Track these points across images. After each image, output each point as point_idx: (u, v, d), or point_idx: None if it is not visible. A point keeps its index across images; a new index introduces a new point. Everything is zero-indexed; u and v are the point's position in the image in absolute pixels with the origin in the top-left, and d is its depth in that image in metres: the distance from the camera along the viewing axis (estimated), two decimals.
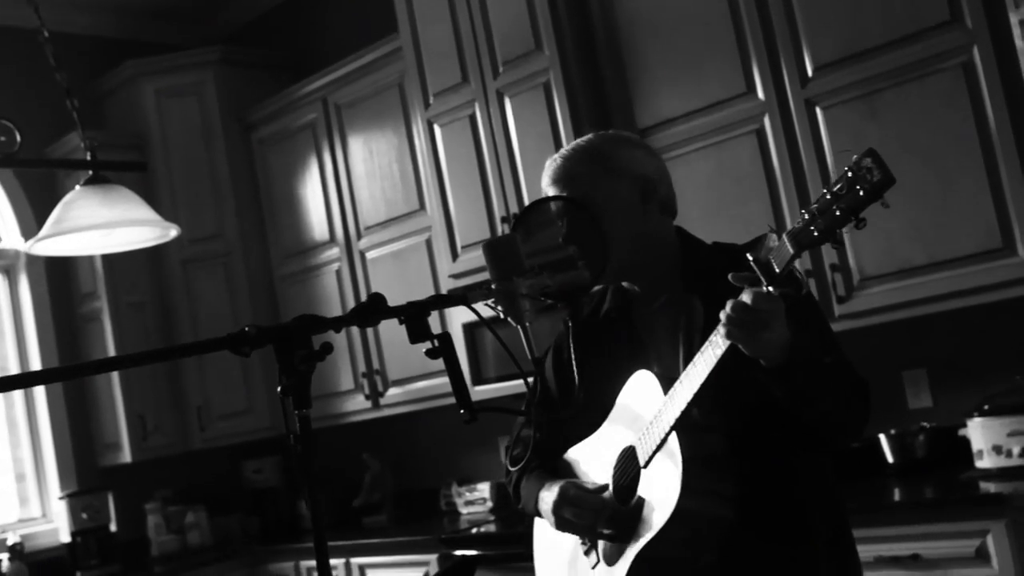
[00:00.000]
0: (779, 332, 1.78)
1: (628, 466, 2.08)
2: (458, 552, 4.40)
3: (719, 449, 1.97)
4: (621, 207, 2.12)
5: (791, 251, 1.69)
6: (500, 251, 1.77)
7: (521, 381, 1.86)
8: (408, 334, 1.67)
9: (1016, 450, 3.29)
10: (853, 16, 3.59)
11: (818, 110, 3.66)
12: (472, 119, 4.53)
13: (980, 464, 3.38)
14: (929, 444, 3.70)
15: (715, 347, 1.84)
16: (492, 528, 4.61)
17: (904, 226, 3.48)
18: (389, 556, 4.78)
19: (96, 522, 5.36)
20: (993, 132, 3.35)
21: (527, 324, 1.75)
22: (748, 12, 3.80)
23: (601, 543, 2.12)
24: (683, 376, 1.93)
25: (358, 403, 5.30)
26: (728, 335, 1.79)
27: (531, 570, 2.42)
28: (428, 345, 1.67)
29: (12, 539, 5.15)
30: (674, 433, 1.95)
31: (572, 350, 2.23)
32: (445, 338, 1.67)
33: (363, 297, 5.02)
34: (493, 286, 1.74)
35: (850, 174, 1.60)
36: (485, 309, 1.78)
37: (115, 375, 5.47)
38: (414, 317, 1.67)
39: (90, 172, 3.14)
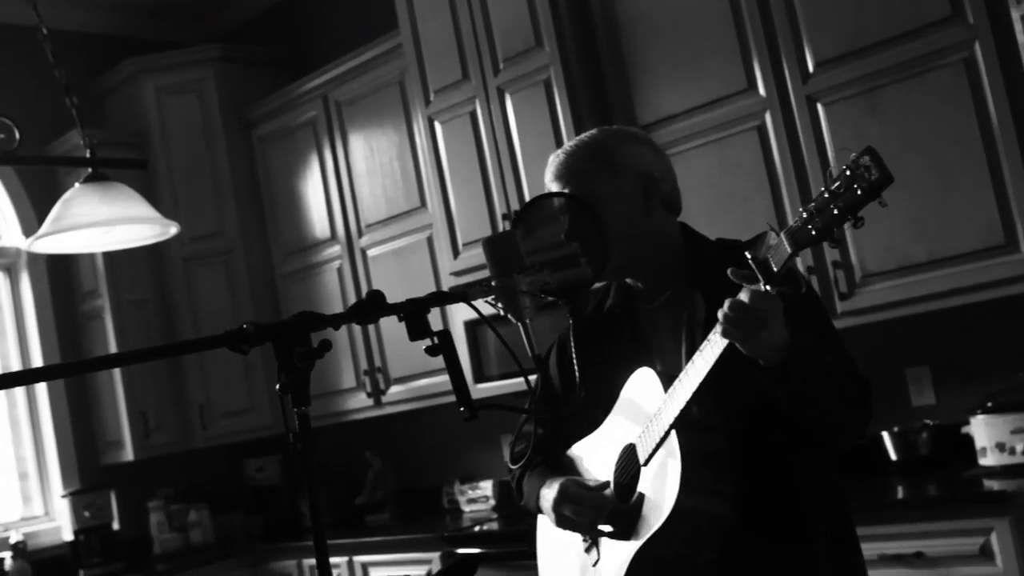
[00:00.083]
0: (777, 331, 1.78)
1: (629, 464, 2.08)
2: (461, 550, 4.40)
3: (719, 447, 1.96)
4: (623, 204, 2.12)
5: (789, 250, 1.68)
6: (500, 248, 1.76)
7: (523, 379, 1.84)
8: (407, 331, 1.66)
9: (1020, 447, 3.28)
10: (854, 12, 3.58)
11: (819, 106, 3.65)
12: (473, 116, 4.52)
13: (983, 462, 3.38)
14: (932, 442, 3.69)
15: (713, 346, 1.83)
16: (495, 526, 4.60)
17: (906, 223, 3.47)
18: (391, 554, 4.77)
19: (98, 520, 5.36)
20: (995, 128, 3.33)
21: (527, 321, 1.74)
22: (749, 8, 3.79)
23: (602, 540, 2.12)
24: (682, 374, 1.93)
25: (360, 401, 5.30)
26: (725, 334, 1.78)
27: (533, 568, 2.42)
28: (428, 342, 1.67)
29: (15, 537, 5.15)
30: (674, 431, 1.95)
31: (573, 347, 2.22)
32: (445, 335, 1.67)
33: (364, 295, 5.02)
34: (493, 283, 1.73)
35: (848, 172, 1.59)
36: (487, 307, 1.77)
37: (117, 373, 5.47)
38: (413, 314, 1.67)
39: (90, 170, 3.14)
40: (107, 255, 5.43)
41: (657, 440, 1.97)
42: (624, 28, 4.14)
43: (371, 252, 5.20)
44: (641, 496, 2.02)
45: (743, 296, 1.75)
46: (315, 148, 5.41)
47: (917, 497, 3.42)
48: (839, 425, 1.97)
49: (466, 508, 5.12)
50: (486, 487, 5.06)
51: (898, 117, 3.49)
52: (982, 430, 3.38)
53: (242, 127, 5.74)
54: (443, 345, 1.67)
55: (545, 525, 2.34)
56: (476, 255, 4.45)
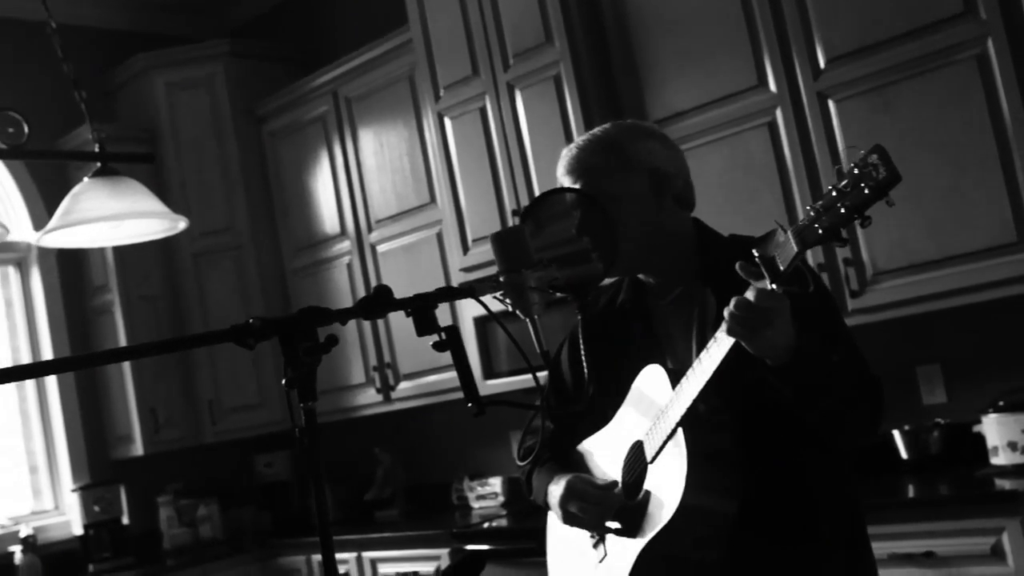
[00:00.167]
0: (782, 330, 1.76)
1: (636, 461, 2.07)
2: (470, 546, 4.39)
3: (726, 446, 1.95)
4: (634, 199, 2.11)
5: (795, 249, 1.67)
6: (508, 243, 1.76)
7: (532, 376, 1.83)
8: (415, 327, 1.66)
9: None
10: (866, 8, 3.56)
11: (830, 103, 3.64)
12: (482, 112, 4.51)
13: (995, 461, 3.36)
14: (944, 440, 3.67)
15: (720, 344, 1.83)
16: (504, 523, 4.60)
17: (918, 220, 3.45)
18: (400, 550, 4.77)
19: (108, 515, 5.37)
20: (1008, 125, 3.31)
21: (535, 317, 1.73)
22: (760, 3, 3.78)
23: (609, 537, 2.12)
24: (689, 372, 1.92)
25: (369, 397, 5.29)
26: (730, 332, 1.77)
27: (542, 565, 2.42)
28: (436, 338, 1.66)
29: (25, 531, 5.16)
30: (680, 429, 1.94)
31: (582, 343, 2.22)
32: (452, 331, 1.66)
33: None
34: (501, 278, 1.73)
35: (856, 171, 1.58)
36: (495, 303, 1.76)
37: (127, 368, 5.48)
38: (420, 310, 1.66)
39: (99, 164, 3.13)
40: (117, 250, 5.44)
41: (664, 438, 1.97)
42: (634, 23, 4.12)
43: (381, 248, 5.19)
44: (647, 494, 2.01)
45: (749, 294, 1.74)
46: (325, 144, 5.40)
47: (928, 496, 3.41)
48: (846, 426, 1.95)
49: (475, 504, 5.12)
50: (495, 484, 5.06)
51: (910, 114, 3.47)
52: (994, 429, 3.37)
53: (252, 122, 5.74)
54: (450, 341, 1.66)
55: (555, 521, 2.34)
56: (486, 251, 4.44)
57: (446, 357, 1.67)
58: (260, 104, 5.68)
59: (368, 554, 4.90)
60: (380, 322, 5.17)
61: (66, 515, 5.53)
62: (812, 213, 1.64)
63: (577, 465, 2.27)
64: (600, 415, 2.22)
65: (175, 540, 5.52)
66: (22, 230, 5.57)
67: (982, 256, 3.37)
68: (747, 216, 3.72)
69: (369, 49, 5.11)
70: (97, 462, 5.63)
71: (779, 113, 3.75)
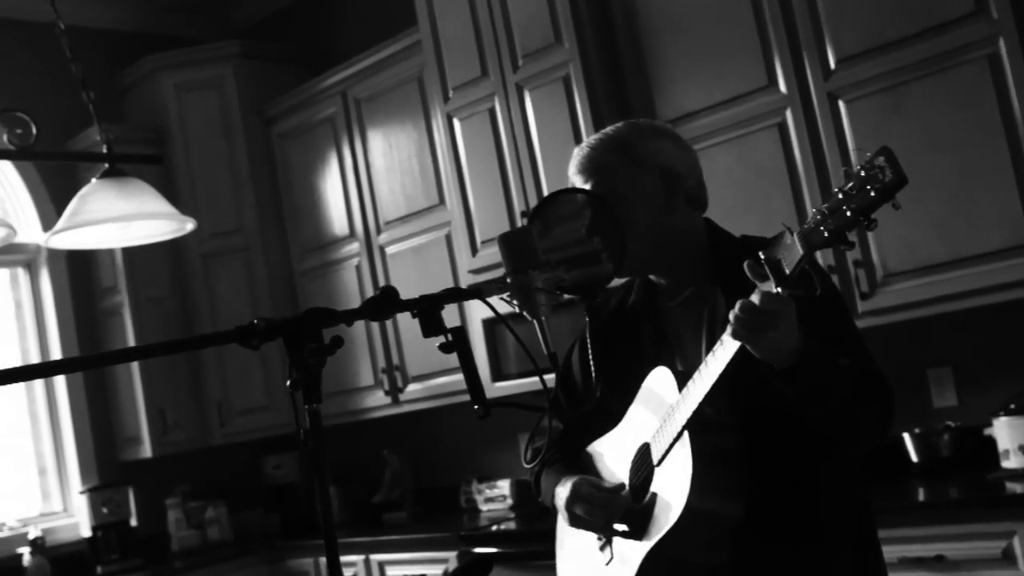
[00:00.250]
0: (787, 334, 1.75)
1: (643, 463, 2.06)
2: (478, 549, 4.38)
3: (732, 448, 1.94)
4: (645, 199, 2.10)
5: (800, 252, 1.65)
6: (515, 244, 1.75)
7: (539, 378, 1.82)
8: (421, 328, 1.65)
9: None
10: (877, 8, 3.54)
11: (841, 103, 3.62)
12: (491, 113, 4.50)
13: (1006, 464, 3.34)
14: (954, 444, 3.65)
15: (726, 347, 1.82)
16: (512, 526, 4.59)
17: (929, 221, 3.43)
18: (409, 553, 4.76)
19: (116, 517, 5.37)
20: (1019, 125, 3.29)
21: (543, 318, 1.72)
22: (770, 3, 3.76)
23: (615, 539, 2.11)
24: (696, 375, 1.91)
25: (378, 399, 5.29)
26: (734, 335, 1.76)
27: (550, 568, 2.41)
28: (442, 339, 1.65)
29: (33, 533, 5.17)
30: (687, 432, 1.93)
31: (590, 344, 2.21)
32: (458, 332, 1.65)
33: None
34: (508, 280, 1.71)
35: (862, 173, 1.56)
36: (504, 305, 1.75)
37: (135, 370, 5.48)
38: (427, 311, 1.65)
39: (106, 165, 3.13)
40: (126, 252, 5.44)
41: (670, 440, 1.96)
42: (644, 24, 4.11)
43: (389, 250, 5.19)
44: (654, 496, 2.01)
45: (754, 298, 1.73)
46: (334, 145, 5.40)
47: (938, 499, 3.39)
48: (852, 429, 1.93)
49: (483, 507, 5.10)
50: (504, 486, 5.04)
51: (921, 114, 3.45)
52: (1005, 432, 3.35)
53: (261, 123, 5.74)
54: (457, 342, 1.65)
55: (564, 523, 2.33)
56: (495, 253, 4.43)
57: (455, 359, 1.66)
58: (269, 105, 5.68)
59: (376, 556, 4.89)
60: (389, 324, 5.17)
61: (74, 517, 5.53)
62: (819, 216, 1.63)
63: (586, 466, 2.27)
64: (610, 416, 2.21)
65: (183, 542, 5.52)
66: (31, 231, 5.58)
67: (993, 258, 3.34)
68: (757, 218, 3.70)
69: (378, 50, 5.10)
70: (105, 464, 5.64)
71: (789, 114, 3.73)
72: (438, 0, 4.65)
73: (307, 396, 1.53)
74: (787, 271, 1.68)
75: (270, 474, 5.87)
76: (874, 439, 2.00)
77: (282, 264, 5.71)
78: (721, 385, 1.85)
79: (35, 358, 5.62)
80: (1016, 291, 3.32)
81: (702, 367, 1.89)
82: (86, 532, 5.37)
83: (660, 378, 2.07)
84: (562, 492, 2.17)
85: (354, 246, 5.35)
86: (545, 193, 4.30)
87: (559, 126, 4.25)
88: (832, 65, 3.63)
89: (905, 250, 3.50)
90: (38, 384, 5.64)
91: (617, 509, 2.07)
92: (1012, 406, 3.36)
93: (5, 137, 3.09)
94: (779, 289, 1.70)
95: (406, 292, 1.64)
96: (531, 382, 4.42)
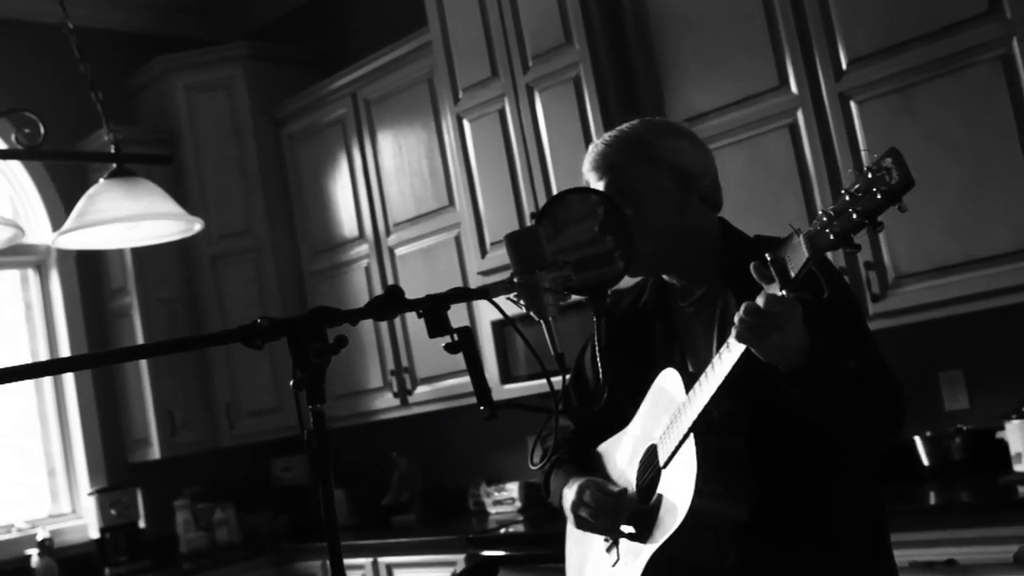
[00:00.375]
0: (793, 336, 1.73)
1: (650, 464, 2.05)
2: (486, 552, 4.37)
3: (738, 451, 1.93)
4: (659, 198, 2.09)
5: (806, 254, 1.63)
6: (522, 244, 1.73)
7: (546, 380, 1.80)
8: (426, 328, 1.63)
9: None
10: (888, 8, 3.52)
11: (852, 104, 3.60)
12: (502, 114, 4.49)
13: (1018, 468, 3.32)
14: (966, 447, 3.63)
15: (731, 349, 1.80)
16: (520, 528, 4.57)
17: (941, 223, 3.40)
18: (417, 555, 4.75)
19: (125, 518, 5.37)
20: None
21: (550, 319, 1.71)
22: (781, 4, 3.74)
23: (622, 541, 2.10)
24: (702, 377, 1.90)
25: (386, 401, 5.28)
26: (739, 337, 1.75)
27: (559, 571, 2.41)
28: (448, 340, 1.63)
29: (42, 535, 5.17)
30: (692, 434, 1.91)
31: (598, 344, 2.19)
32: (464, 332, 1.63)
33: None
34: (515, 280, 1.70)
35: (869, 175, 1.54)
36: (512, 306, 1.74)
37: (144, 371, 5.49)
38: (432, 310, 1.63)
39: (115, 165, 3.13)
40: (135, 252, 5.45)
41: (676, 442, 1.95)
42: (654, 24, 4.10)
43: (399, 251, 5.18)
44: (660, 498, 1.99)
45: (759, 300, 1.71)
46: (344, 146, 5.40)
47: (949, 503, 3.37)
48: (858, 431, 1.91)
49: (492, 510, 5.09)
50: (512, 489, 5.03)
51: (933, 115, 3.43)
52: (1017, 435, 3.33)
53: (271, 125, 5.74)
54: (463, 342, 1.63)
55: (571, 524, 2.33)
56: (504, 254, 4.35)
57: (463, 361, 1.65)
58: (279, 107, 5.68)
59: (384, 559, 4.88)
60: (397, 326, 5.16)
61: (83, 518, 5.53)
62: (824, 218, 1.61)
63: (595, 466, 2.26)
64: (621, 416, 2.20)
65: (191, 544, 5.51)
66: (42, 233, 5.58)
67: (1006, 260, 3.32)
68: (768, 219, 3.65)
69: (388, 51, 5.10)
70: (114, 465, 5.64)
71: (800, 114, 3.71)
72: (448, 1, 4.64)
73: (311, 396, 1.52)
74: (792, 274, 1.66)
75: (279, 476, 5.86)
76: (882, 442, 1.98)
77: (291, 266, 5.70)
78: (727, 388, 1.83)
79: (45, 359, 5.62)
80: None
81: (708, 369, 1.88)
82: (94, 534, 5.38)
83: (669, 379, 2.06)
84: (569, 494, 2.16)
85: (363, 247, 5.34)
86: (555, 194, 4.28)
87: (569, 127, 4.24)
88: (844, 66, 3.62)
89: (917, 252, 3.48)
90: (47, 385, 5.65)
91: (623, 511, 2.06)
92: None
93: (13, 136, 3.09)
94: (784, 291, 1.68)
95: (415, 294, 1.63)
96: (541, 384, 4.40)
